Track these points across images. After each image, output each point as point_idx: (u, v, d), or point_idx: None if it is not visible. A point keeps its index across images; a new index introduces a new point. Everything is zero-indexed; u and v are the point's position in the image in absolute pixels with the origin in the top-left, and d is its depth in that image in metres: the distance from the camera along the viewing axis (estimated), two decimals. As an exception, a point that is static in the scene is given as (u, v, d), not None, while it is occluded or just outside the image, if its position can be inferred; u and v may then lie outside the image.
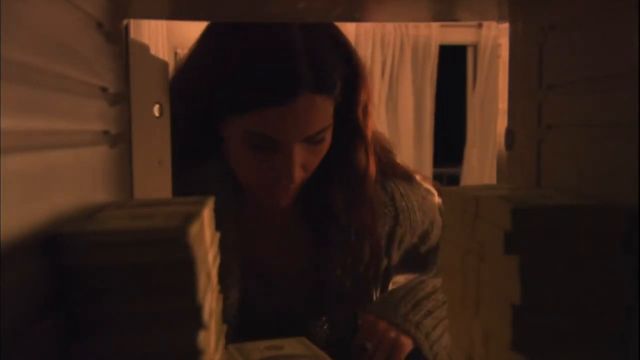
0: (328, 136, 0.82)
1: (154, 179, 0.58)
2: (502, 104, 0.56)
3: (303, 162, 0.80)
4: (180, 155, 0.75)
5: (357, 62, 0.85)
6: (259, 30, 0.76)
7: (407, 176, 0.98)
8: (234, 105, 0.78)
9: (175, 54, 2.61)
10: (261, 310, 0.89)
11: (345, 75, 0.82)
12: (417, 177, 0.99)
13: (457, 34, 3.39)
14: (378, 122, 2.99)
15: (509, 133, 0.55)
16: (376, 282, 0.96)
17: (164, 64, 0.61)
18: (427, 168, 3.38)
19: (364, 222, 0.89)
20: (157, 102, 0.57)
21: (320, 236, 0.90)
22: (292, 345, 0.57)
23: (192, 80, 0.82)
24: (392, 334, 0.82)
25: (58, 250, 0.33)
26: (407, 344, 0.83)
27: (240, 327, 0.84)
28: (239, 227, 0.86)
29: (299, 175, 0.80)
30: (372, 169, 0.89)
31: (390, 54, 3.27)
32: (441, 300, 0.88)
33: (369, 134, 0.88)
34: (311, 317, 0.91)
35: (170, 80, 0.63)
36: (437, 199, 1.00)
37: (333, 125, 0.82)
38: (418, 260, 1.00)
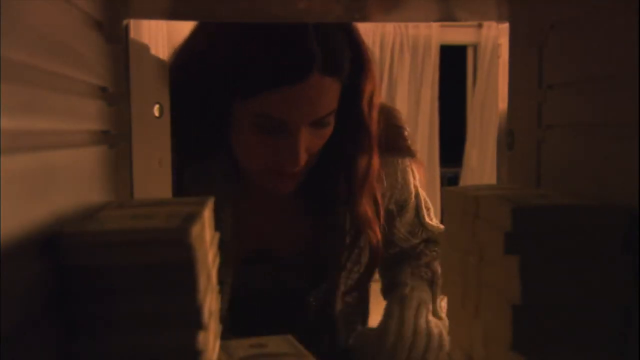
0: (332, 121, 0.83)
1: (154, 179, 0.58)
2: (502, 104, 0.56)
3: (307, 146, 0.81)
4: (184, 148, 0.76)
5: (365, 51, 0.85)
6: None
7: (408, 152, 0.98)
8: (243, 88, 0.77)
9: (175, 54, 2.60)
10: (255, 287, 0.90)
11: (353, 61, 0.82)
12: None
13: (457, 34, 3.39)
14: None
15: (509, 133, 0.55)
16: (372, 268, 0.96)
17: (164, 64, 0.61)
18: (432, 167, 3.37)
19: (364, 215, 0.90)
20: (157, 102, 0.57)
21: (320, 222, 0.91)
22: (276, 344, 0.57)
23: (194, 66, 0.81)
24: None
25: (58, 250, 0.33)
26: None
27: (233, 304, 0.85)
28: (239, 211, 0.86)
29: (303, 159, 0.80)
30: (375, 162, 0.90)
31: (390, 54, 3.27)
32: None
33: (374, 125, 0.88)
34: (305, 293, 0.92)
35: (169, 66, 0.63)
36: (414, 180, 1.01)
37: (338, 113, 0.83)
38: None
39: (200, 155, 0.84)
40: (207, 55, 0.80)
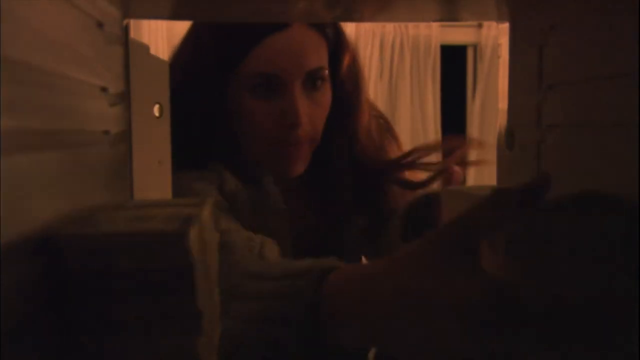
0: (327, 89, 0.87)
1: (154, 179, 0.58)
2: (502, 104, 0.56)
3: (307, 111, 0.83)
4: (190, 149, 0.79)
5: (340, 28, 0.90)
6: None
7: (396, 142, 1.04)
8: (232, 53, 0.81)
9: (175, 54, 2.60)
10: None
11: (334, 34, 0.87)
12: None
13: (457, 34, 3.38)
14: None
15: (509, 133, 0.55)
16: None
17: (164, 64, 0.61)
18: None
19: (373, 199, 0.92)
20: (157, 102, 0.57)
21: (330, 214, 0.93)
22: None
23: (188, 58, 0.86)
24: None
25: (56, 253, 0.33)
26: None
27: None
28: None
29: (304, 119, 0.82)
30: (373, 126, 0.94)
31: (390, 54, 3.27)
32: None
33: (363, 96, 0.93)
34: None
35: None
36: None
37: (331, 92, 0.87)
38: None
39: (204, 158, 0.85)
40: (197, 38, 0.85)
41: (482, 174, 3.38)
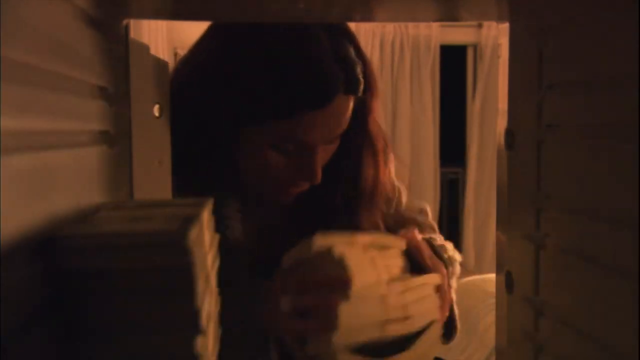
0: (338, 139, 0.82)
1: (154, 179, 0.58)
2: (502, 104, 0.56)
3: (321, 163, 0.80)
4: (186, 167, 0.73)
5: (370, 65, 0.83)
6: (278, 29, 0.72)
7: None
8: (261, 114, 0.74)
9: (175, 54, 2.61)
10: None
11: (364, 76, 0.79)
12: None
13: (457, 34, 3.39)
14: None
15: (509, 133, 0.55)
16: None
17: (164, 64, 0.61)
18: (430, 169, 3.36)
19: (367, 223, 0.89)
20: (157, 102, 0.57)
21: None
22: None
23: (199, 89, 0.77)
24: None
25: (54, 253, 0.33)
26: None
27: None
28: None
29: (320, 175, 0.79)
30: (383, 176, 0.89)
31: (390, 54, 3.27)
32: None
33: (381, 141, 0.88)
34: None
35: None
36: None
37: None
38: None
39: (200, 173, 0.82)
40: (215, 73, 0.75)
41: (482, 173, 3.38)
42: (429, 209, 1.02)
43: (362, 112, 0.83)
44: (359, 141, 0.85)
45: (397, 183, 1.00)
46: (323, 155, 0.80)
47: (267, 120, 0.74)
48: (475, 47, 3.45)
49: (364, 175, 0.87)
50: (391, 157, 0.98)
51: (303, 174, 0.79)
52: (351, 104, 0.78)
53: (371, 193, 0.88)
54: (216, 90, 0.76)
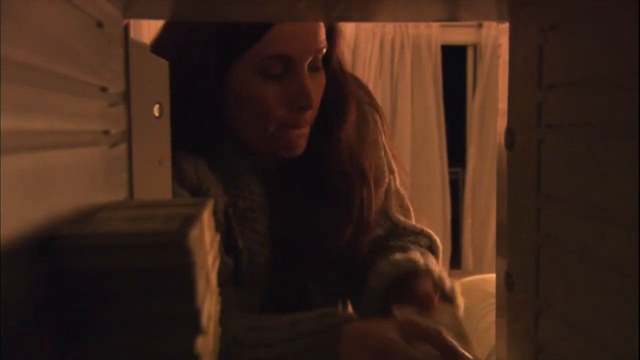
0: (322, 71, 0.87)
1: (154, 179, 0.58)
2: (502, 103, 0.56)
3: (313, 93, 0.83)
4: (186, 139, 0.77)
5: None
6: None
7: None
8: (242, 39, 0.80)
9: (175, 54, 2.60)
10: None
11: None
12: None
13: (457, 34, 3.38)
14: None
15: (509, 133, 0.55)
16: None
17: (164, 64, 0.61)
18: (439, 168, 3.34)
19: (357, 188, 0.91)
20: (157, 102, 0.57)
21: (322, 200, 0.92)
22: None
23: (182, 39, 0.83)
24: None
25: (55, 253, 0.33)
26: None
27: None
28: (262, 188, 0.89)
29: (313, 97, 0.83)
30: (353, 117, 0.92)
31: (391, 54, 3.27)
32: None
33: (352, 88, 0.92)
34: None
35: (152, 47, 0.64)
36: None
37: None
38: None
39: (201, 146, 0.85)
40: (196, 28, 0.82)
41: (482, 173, 3.38)
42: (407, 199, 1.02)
43: (330, 57, 0.89)
44: (334, 81, 0.90)
45: (394, 164, 1.01)
46: (314, 86, 0.84)
47: (248, 45, 0.80)
48: (475, 47, 3.45)
49: (345, 132, 0.91)
50: (387, 129, 1.01)
51: (296, 96, 0.82)
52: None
53: (349, 156, 0.91)
54: (199, 36, 0.82)
